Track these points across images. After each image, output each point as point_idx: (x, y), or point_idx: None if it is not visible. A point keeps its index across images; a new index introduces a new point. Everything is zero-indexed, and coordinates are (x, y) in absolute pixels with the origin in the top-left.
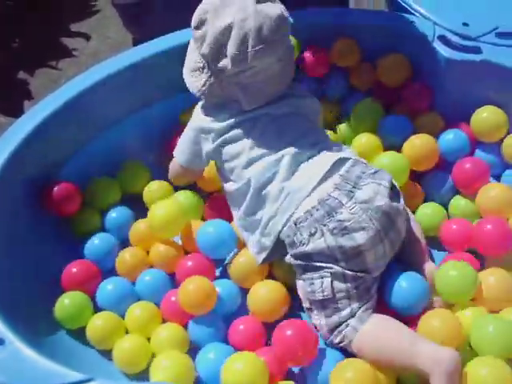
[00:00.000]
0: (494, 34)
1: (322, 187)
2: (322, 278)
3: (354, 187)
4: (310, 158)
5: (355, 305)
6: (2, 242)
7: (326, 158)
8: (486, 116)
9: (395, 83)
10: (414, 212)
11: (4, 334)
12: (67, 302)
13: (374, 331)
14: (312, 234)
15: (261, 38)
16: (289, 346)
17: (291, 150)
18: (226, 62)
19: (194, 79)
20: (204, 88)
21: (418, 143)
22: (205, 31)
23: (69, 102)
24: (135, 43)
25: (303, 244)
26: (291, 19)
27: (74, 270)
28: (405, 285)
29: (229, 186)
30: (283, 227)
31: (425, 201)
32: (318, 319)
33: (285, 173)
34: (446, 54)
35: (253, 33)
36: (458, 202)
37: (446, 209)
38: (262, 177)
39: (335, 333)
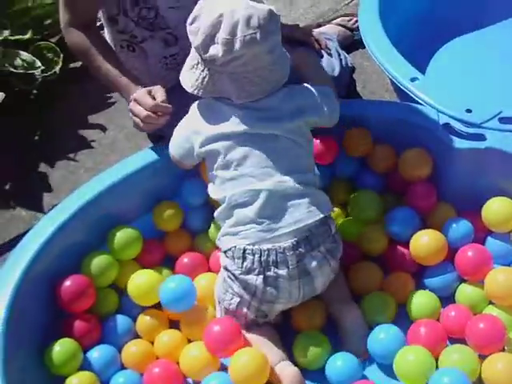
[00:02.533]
0: (497, 120)
1: (282, 236)
2: (234, 295)
3: (306, 252)
4: (288, 201)
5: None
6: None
7: (302, 212)
8: (496, 208)
9: (412, 178)
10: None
11: None
12: None
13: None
14: (251, 269)
15: (249, 26)
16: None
17: (273, 185)
18: (216, 50)
19: (189, 76)
20: (197, 83)
21: (425, 240)
22: (198, 24)
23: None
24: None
25: (239, 269)
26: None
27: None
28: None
29: (209, 188)
30: (235, 246)
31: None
32: (219, 312)
33: (258, 208)
34: (450, 142)
35: (242, 21)
36: (465, 290)
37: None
38: (238, 199)
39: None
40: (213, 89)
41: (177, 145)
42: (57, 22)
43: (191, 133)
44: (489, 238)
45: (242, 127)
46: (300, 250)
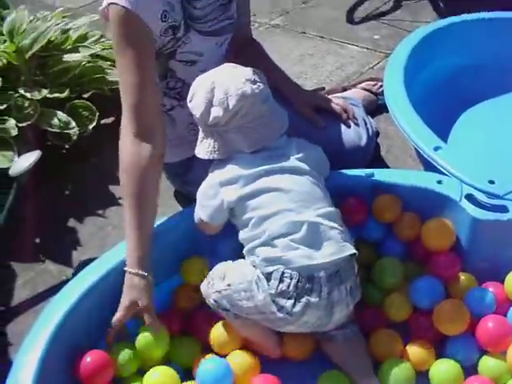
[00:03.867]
0: None
1: (319, 266)
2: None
3: (336, 285)
4: (324, 233)
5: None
6: None
7: (336, 245)
8: None
9: (434, 249)
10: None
11: None
12: None
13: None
14: (285, 292)
15: (239, 83)
16: None
17: (312, 217)
18: (217, 112)
19: (202, 147)
20: (210, 149)
21: (448, 310)
22: (197, 99)
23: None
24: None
25: (273, 289)
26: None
27: None
28: None
29: (242, 234)
30: (273, 271)
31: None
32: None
33: (300, 238)
34: (473, 213)
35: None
36: (487, 362)
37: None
38: (280, 230)
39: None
40: (225, 150)
41: (204, 205)
42: (91, 80)
43: (218, 186)
44: (511, 309)
45: (263, 166)
46: (332, 282)
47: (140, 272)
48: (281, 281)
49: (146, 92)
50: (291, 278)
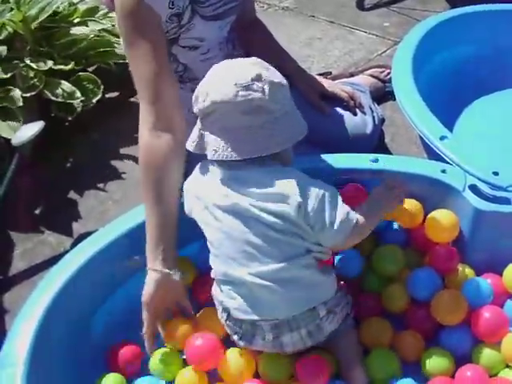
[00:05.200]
0: None
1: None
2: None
3: (285, 333)
4: (262, 291)
5: None
6: None
7: (283, 306)
8: None
9: (440, 241)
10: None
11: None
12: None
13: None
14: (231, 326)
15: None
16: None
17: (250, 277)
18: (196, 106)
19: (191, 135)
20: (191, 139)
21: (447, 299)
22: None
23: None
24: None
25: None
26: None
27: None
28: None
29: None
30: (222, 301)
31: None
32: None
33: (241, 292)
34: (475, 204)
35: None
36: (480, 351)
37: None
38: (221, 277)
39: None
40: (203, 145)
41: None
42: (98, 54)
43: (191, 197)
44: (508, 301)
45: (218, 197)
46: (279, 329)
47: (163, 270)
48: (228, 317)
49: (163, 83)
50: (235, 320)
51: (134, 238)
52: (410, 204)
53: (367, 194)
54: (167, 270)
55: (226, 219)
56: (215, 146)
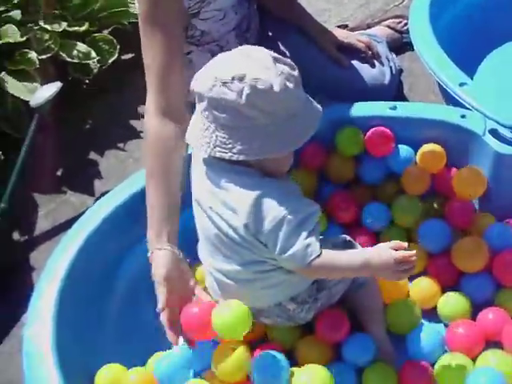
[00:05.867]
0: None
1: None
2: None
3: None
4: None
5: None
6: None
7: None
8: None
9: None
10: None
11: None
12: None
13: None
14: None
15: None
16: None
17: (214, 270)
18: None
19: None
20: None
21: (468, 246)
22: None
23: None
24: None
25: None
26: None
27: None
28: None
29: None
30: None
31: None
32: None
33: (211, 283)
34: (496, 147)
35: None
36: (503, 295)
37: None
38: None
39: None
40: None
41: None
42: (112, 14)
43: None
44: None
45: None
46: (254, 313)
47: (172, 249)
48: None
49: (173, 74)
50: None
51: None
52: (433, 148)
53: (393, 138)
54: (176, 250)
55: (197, 210)
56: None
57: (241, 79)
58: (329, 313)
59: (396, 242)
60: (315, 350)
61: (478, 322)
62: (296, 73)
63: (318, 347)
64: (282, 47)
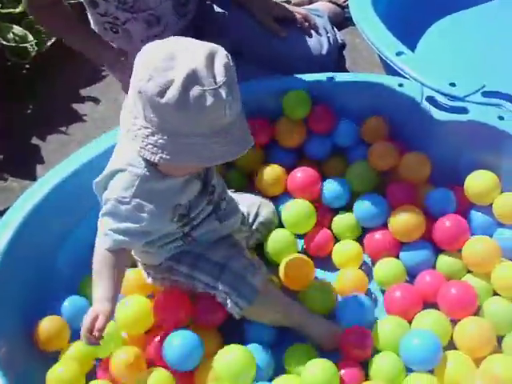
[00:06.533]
0: (480, 94)
1: None
2: None
3: None
4: None
5: None
6: None
7: None
8: (478, 182)
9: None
10: None
11: None
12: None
13: None
14: None
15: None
16: None
17: None
18: None
19: None
20: None
21: (404, 217)
22: None
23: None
24: None
25: None
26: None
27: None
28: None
29: None
30: None
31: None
32: None
33: None
34: (433, 114)
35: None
36: (443, 259)
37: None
38: None
39: None
40: None
41: None
42: None
43: None
44: (471, 212)
45: None
46: None
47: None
48: None
49: None
50: None
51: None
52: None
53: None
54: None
55: None
56: None
57: (150, 78)
58: (355, 330)
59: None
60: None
61: (416, 284)
62: (224, 89)
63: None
64: (220, 20)
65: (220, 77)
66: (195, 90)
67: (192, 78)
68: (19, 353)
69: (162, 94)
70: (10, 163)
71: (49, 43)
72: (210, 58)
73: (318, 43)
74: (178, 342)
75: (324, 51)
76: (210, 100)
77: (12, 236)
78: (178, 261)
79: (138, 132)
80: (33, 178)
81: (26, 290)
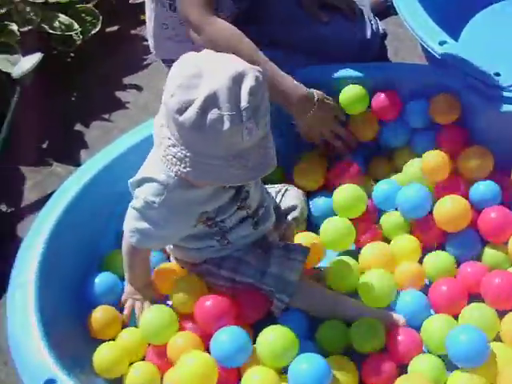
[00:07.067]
0: None
1: None
2: None
3: None
4: None
5: None
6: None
7: None
8: None
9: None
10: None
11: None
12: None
13: None
14: None
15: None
16: None
17: None
18: None
19: None
20: None
21: (449, 206)
22: None
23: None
24: None
25: None
26: None
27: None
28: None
29: None
30: None
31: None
32: None
33: None
34: (477, 104)
35: None
36: (488, 251)
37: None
38: None
39: None
40: None
41: None
42: None
43: None
44: None
45: None
46: None
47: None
48: None
49: None
50: None
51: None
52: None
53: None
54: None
55: None
56: None
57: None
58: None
59: None
60: None
61: (459, 276)
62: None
63: None
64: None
65: (244, 102)
66: (213, 114)
67: (212, 101)
68: (72, 336)
69: (181, 111)
70: (54, 149)
71: (93, 32)
72: (237, 81)
73: (361, 29)
74: (227, 338)
75: (368, 36)
76: (227, 125)
77: (58, 218)
78: (218, 266)
79: (163, 140)
80: (76, 163)
81: (79, 273)
